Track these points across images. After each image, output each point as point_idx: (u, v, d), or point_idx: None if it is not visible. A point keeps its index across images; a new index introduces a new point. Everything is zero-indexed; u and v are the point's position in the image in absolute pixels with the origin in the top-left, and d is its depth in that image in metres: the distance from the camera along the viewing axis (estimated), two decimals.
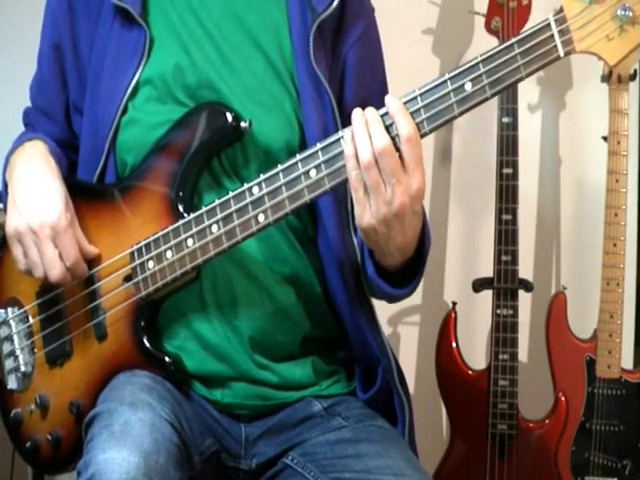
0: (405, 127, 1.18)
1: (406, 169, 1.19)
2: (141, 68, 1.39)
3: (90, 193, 1.43)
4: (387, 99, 1.21)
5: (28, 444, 1.45)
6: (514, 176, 2.09)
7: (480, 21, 2.16)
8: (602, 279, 2.11)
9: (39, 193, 1.36)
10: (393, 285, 1.36)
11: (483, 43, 2.22)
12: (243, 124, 1.33)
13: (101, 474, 1.11)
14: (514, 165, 2.09)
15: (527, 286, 2.12)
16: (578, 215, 2.42)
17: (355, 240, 1.41)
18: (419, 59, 2.38)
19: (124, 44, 1.41)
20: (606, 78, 2.11)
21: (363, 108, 1.23)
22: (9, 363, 1.48)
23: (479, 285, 2.16)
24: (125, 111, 1.39)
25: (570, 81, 2.40)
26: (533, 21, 2.08)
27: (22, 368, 1.46)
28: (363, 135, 1.20)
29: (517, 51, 1.16)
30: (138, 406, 1.20)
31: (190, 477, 1.24)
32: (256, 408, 1.40)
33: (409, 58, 2.31)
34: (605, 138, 2.13)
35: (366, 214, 1.21)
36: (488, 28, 2.13)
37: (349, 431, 1.39)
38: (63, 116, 1.52)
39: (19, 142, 1.48)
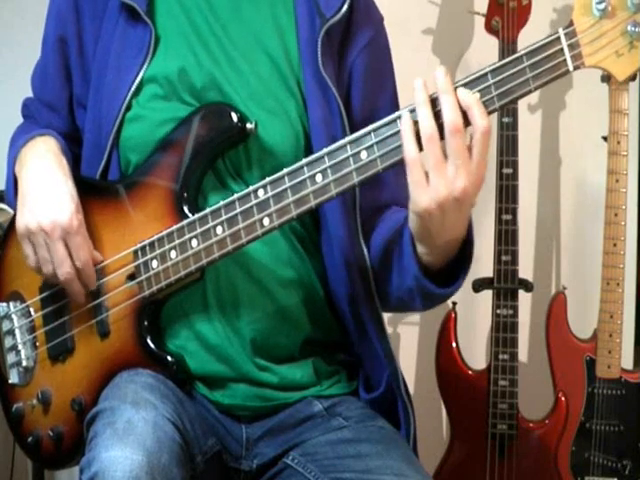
0: (484, 119, 1.14)
1: (472, 157, 1.15)
2: (146, 65, 1.39)
3: (95, 189, 1.42)
4: (461, 91, 1.15)
5: (30, 439, 1.45)
6: (514, 176, 2.09)
7: (480, 21, 2.15)
8: (602, 279, 2.11)
9: (51, 192, 1.36)
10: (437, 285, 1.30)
11: (483, 43, 2.22)
12: (249, 125, 1.33)
13: (104, 472, 1.12)
14: (514, 165, 2.09)
15: (527, 286, 2.12)
16: (578, 215, 2.42)
17: (405, 238, 1.30)
18: (419, 59, 2.37)
19: (129, 41, 1.40)
20: (606, 78, 2.10)
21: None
22: (11, 357, 1.48)
23: (479, 285, 2.15)
24: (129, 108, 1.39)
25: (570, 81, 2.39)
26: (533, 21, 2.08)
27: (24, 363, 1.46)
28: (425, 109, 1.15)
29: (526, 63, 1.14)
30: (141, 405, 1.20)
31: (193, 477, 1.24)
32: (257, 409, 1.40)
33: (409, 58, 2.30)
34: (605, 138, 2.12)
35: (423, 195, 1.16)
36: (488, 28, 2.12)
37: (350, 431, 1.38)
38: (67, 109, 1.51)
39: (27, 136, 1.46)
